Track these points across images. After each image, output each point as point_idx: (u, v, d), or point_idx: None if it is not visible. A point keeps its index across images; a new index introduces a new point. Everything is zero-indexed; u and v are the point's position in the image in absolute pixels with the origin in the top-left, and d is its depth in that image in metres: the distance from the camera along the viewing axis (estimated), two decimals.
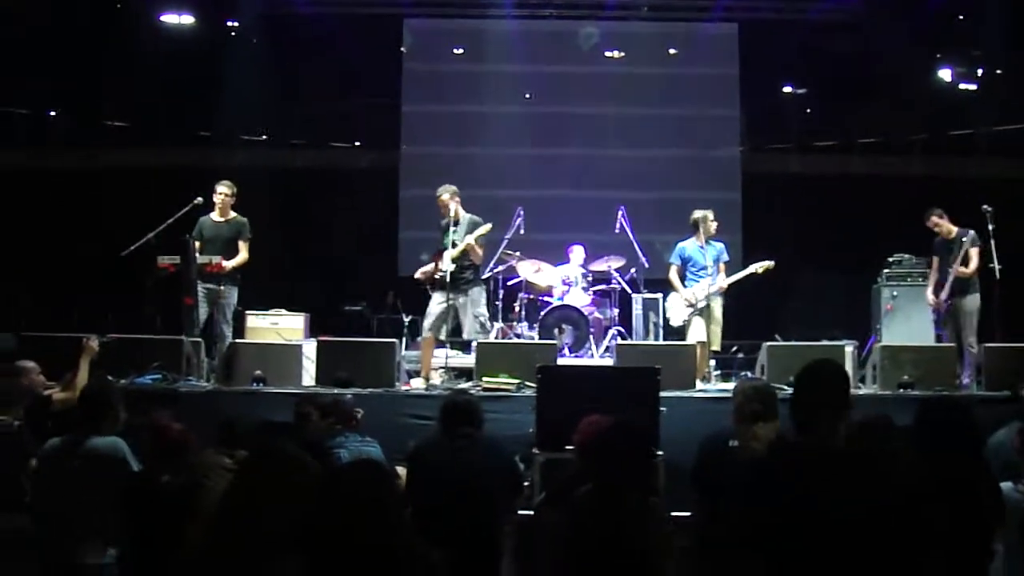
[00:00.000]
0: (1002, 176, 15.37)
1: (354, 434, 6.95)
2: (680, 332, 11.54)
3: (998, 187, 13.39)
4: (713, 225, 11.45)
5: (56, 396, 7.63)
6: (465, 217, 10.97)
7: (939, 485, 4.56)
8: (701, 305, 11.25)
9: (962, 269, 11.07)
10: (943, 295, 11.17)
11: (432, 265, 10.95)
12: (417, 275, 11.17)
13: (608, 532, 4.77)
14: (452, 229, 10.83)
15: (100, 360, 8.52)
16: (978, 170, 16.09)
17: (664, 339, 12.22)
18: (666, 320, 11.93)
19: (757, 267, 11.43)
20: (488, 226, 11.01)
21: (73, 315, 13.06)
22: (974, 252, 11.10)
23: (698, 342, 11.02)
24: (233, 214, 11.36)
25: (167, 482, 5.36)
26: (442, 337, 11.05)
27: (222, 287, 11.04)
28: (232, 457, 5.54)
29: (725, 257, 11.51)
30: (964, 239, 11.11)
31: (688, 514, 6.19)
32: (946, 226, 11.40)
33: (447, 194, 11.03)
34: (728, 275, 11.42)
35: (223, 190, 11.31)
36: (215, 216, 11.29)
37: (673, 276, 11.45)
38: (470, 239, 10.81)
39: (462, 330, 11.02)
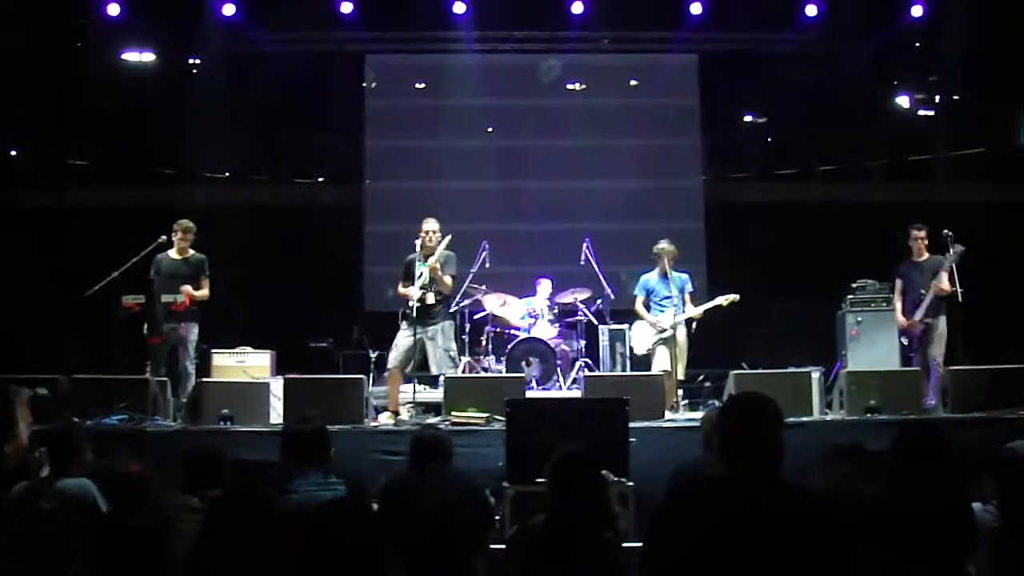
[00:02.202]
0: (962, 200, 15.50)
1: (315, 473, 6.69)
2: (645, 360, 11.62)
3: (958, 212, 13.51)
4: (672, 255, 11.53)
5: (8, 450, 7.49)
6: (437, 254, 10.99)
7: (913, 509, 4.59)
8: (667, 334, 11.35)
9: (942, 287, 11.17)
10: (918, 315, 11.27)
11: (407, 291, 10.93)
12: (399, 292, 11.14)
13: (555, 565, 4.75)
14: (421, 263, 10.89)
15: (66, 401, 8.46)
16: (937, 195, 16.24)
17: (631, 370, 12.24)
18: (631, 349, 12.00)
19: (722, 300, 11.57)
20: (447, 239, 11.05)
21: (36, 355, 12.96)
22: (944, 275, 11.24)
23: (663, 371, 11.09)
24: (191, 251, 11.34)
25: (137, 524, 5.31)
26: (408, 371, 11.01)
27: (183, 324, 11.01)
28: (201, 497, 5.51)
29: (689, 288, 11.66)
30: (943, 259, 11.25)
31: None
32: (922, 247, 11.54)
33: (435, 225, 11.06)
34: (694, 305, 11.54)
35: (184, 229, 11.29)
36: (173, 254, 11.26)
37: (639, 307, 11.64)
38: (432, 260, 10.82)
39: (429, 364, 11.02)
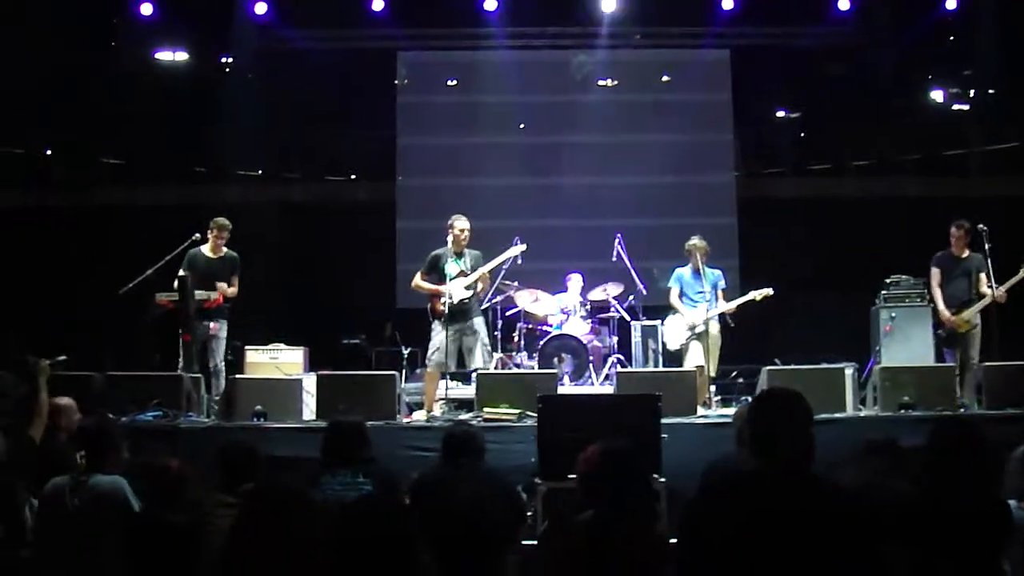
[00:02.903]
0: (996, 195, 15.39)
1: (346, 472, 6.35)
2: (677, 356, 11.60)
3: (992, 206, 13.42)
4: (703, 251, 11.50)
5: (32, 432, 7.54)
6: (467, 251, 11.05)
7: (949, 505, 4.56)
8: (700, 330, 11.32)
9: (1001, 292, 11.04)
10: (969, 315, 11.17)
11: (439, 288, 10.95)
12: (420, 284, 11.18)
13: (607, 561, 4.74)
14: (455, 259, 10.92)
15: (101, 398, 8.52)
16: (972, 189, 16.13)
17: (664, 366, 12.22)
18: (664, 345, 11.98)
19: (755, 294, 11.52)
20: (513, 251, 11.14)
21: (71, 353, 13.04)
22: (984, 277, 11.16)
23: (696, 367, 11.06)
24: (225, 250, 11.40)
25: (170, 520, 5.34)
26: (444, 370, 11.03)
27: (213, 322, 11.06)
28: (234, 493, 5.53)
29: (723, 284, 11.62)
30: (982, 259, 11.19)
31: None
32: (963, 244, 11.44)
33: (467, 224, 11.09)
34: (727, 301, 11.50)
35: (219, 227, 11.35)
36: (207, 252, 11.32)
37: (673, 299, 11.60)
38: (492, 264, 10.91)
39: (467, 361, 11.04)
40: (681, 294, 11.62)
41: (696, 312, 11.41)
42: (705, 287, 11.40)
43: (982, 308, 11.16)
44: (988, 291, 11.06)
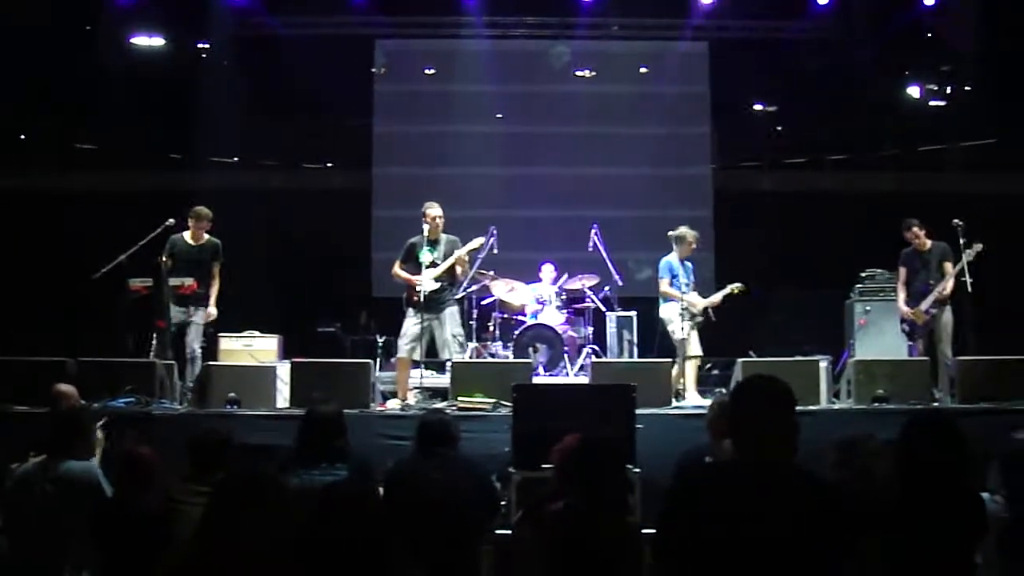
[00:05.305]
0: (971, 191, 15.44)
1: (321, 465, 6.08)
2: (679, 345, 11.42)
3: (968, 202, 13.46)
4: (692, 242, 11.45)
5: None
6: (443, 237, 11.02)
7: (923, 499, 4.57)
8: (700, 319, 11.24)
9: (944, 293, 11.11)
10: (924, 306, 11.22)
11: (412, 279, 10.93)
12: (398, 273, 11.14)
13: (580, 551, 4.75)
14: (428, 248, 10.89)
15: (73, 384, 8.48)
16: (948, 185, 16.18)
17: (638, 356, 12.22)
18: (671, 334, 11.58)
19: (734, 287, 11.45)
20: (479, 240, 11.16)
21: (44, 338, 12.96)
22: (949, 266, 11.20)
23: (697, 356, 11.07)
24: (207, 237, 11.34)
25: (141, 507, 5.32)
26: (416, 357, 11.02)
27: (191, 308, 11.01)
28: (206, 482, 5.50)
29: (692, 278, 11.53)
30: (947, 249, 11.24)
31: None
32: (923, 239, 11.49)
33: (440, 211, 11.07)
34: (700, 295, 11.44)
35: (199, 216, 11.27)
36: (189, 239, 11.25)
37: (666, 288, 11.35)
38: (460, 253, 10.89)
39: (438, 350, 11.03)
40: (671, 284, 11.48)
41: (693, 298, 11.32)
42: (691, 277, 11.39)
43: (936, 298, 11.21)
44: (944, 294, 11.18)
